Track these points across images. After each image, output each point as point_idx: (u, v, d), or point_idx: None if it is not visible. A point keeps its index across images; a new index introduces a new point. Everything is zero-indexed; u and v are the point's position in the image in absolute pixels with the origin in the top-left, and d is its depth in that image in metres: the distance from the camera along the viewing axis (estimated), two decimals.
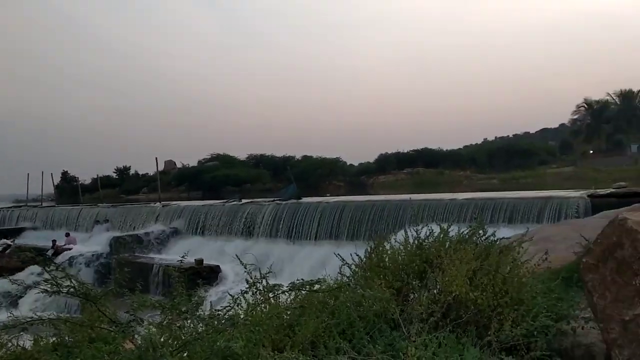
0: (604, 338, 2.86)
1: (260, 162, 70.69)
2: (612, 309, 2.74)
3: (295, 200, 19.83)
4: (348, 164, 70.21)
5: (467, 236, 4.19)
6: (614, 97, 64.68)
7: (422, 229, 4.35)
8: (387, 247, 4.34)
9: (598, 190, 13.95)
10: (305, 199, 20.20)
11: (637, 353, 2.60)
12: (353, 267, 4.38)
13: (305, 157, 68.70)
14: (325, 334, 3.30)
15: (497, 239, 4.18)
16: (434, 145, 68.23)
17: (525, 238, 4.19)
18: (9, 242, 24.35)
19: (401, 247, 4.27)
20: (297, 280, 3.71)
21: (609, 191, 13.25)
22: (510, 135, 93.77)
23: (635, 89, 63.42)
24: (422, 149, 66.76)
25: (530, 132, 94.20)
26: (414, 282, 3.81)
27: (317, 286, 3.60)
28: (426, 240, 4.25)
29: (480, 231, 4.20)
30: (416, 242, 4.26)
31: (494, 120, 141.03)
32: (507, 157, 61.00)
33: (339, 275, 4.26)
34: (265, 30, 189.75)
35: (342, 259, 4.40)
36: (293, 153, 72.09)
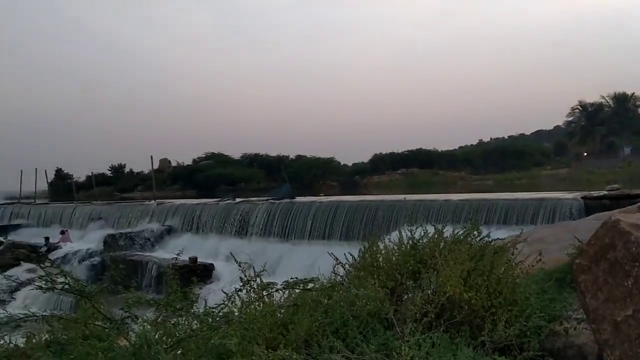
0: (596, 338, 2.88)
1: (254, 162, 70.74)
2: (604, 309, 2.76)
3: (288, 200, 19.84)
4: (342, 163, 70.45)
5: (461, 237, 4.21)
6: (608, 100, 65.02)
7: (416, 229, 4.37)
8: (381, 247, 4.35)
9: (591, 192, 14.03)
10: (298, 199, 20.21)
11: (628, 353, 2.62)
12: (347, 266, 4.40)
13: (299, 157, 68.83)
14: (318, 333, 3.31)
15: (492, 240, 4.20)
16: (428, 146, 68.41)
17: (519, 239, 4.21)
18: (1, 239, 24.22)
19: (395, 247, 4.28)
20: (291, 279, 3.73)
21: (602, 193, 13.31)
22: (506, 137, 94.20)
23: (629, 92, 63.82)
24: (416, 149, 66.88)
25: (525, 133, 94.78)
26: (408, 282, 3.82)
27: (310, 285, 3.61)
28: (420, 241, 4.27)
29: (475, 232, 4.21)
30: (410, 242, 4.28)
31: (489, 121, 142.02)
32: (502, 159, 61.23)
33: (333, 274, 4.28)
34: (260, 30, 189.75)
35: (336, 258, 4.41)
36: (287, 153, 72.34)
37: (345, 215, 16.76)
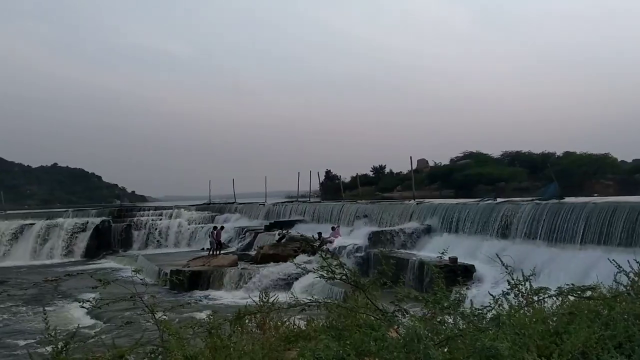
0: None
1: (515, 160, 67.34)
2: None
3: (556, 201, 18.43)
4: (619, 160, 62.52)
5: None
6: None
7: None
8: None
9: None
10: (567, 199, 18.64)
11: None
12: (631, 275, 3.91)
13: (567, 154, 63.32)
14: (598, 346, 3.02)
15: None
16: None
17: None
18: (283, 232, 27.58)
19: None
20: (566, 285, 3.47)
21: None
22: None
23: None
24: None
25: None
26: None
27: (588, 293, 3.31)
28: None
29: None
30: None
31: None
32: None
33: (614, 283, 3.85)
34: (524, 21, 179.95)
35: (618, 265, 3.96)
36: (553, 149, 67.17)
37: (627, 219, 14.81)
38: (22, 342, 14.46)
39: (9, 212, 43.84)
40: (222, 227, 29.29)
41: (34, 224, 37.16)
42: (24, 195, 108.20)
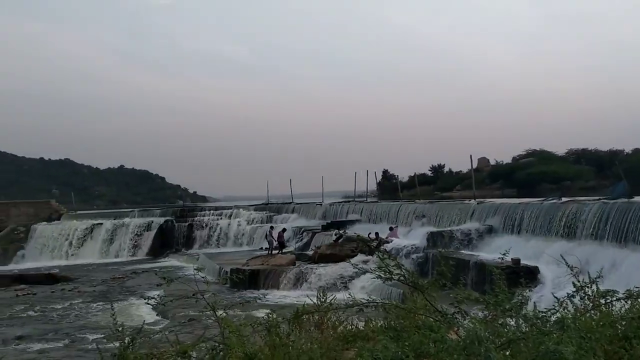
0: None
1: (581, 158, 64.80)
2: None
3: (625, 200, 17.60)
4: None
5: None
6: None
7: None
8: None
9: None
10: (637, 198, 17.76)
11: None
12: None
13: (636, 151, 60.44)
14: None
15: None
16: None
17: None
18: (340, 232, 27.58)
19: None
20: (635, 288, 3.32)
21: None
22: None
23: None
24: None
25: None
26: None
27: None
28: None
29: None
30: None
31: None
32: None
33: None
34: (591, 17, 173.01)
35: None
36: (621, 146, 64.29)
37: None
38: (91, 337, 15.11)
39: (79, 212, 45.96)
40: (284, 230, 29.45)
41: (102, 223, 38.81)
42: (93, 196, 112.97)
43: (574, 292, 3.42)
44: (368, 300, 3.72)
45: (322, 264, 22.68)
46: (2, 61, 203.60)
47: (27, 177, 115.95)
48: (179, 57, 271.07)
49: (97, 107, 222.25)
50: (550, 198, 22.00)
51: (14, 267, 33.42)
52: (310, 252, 26.59)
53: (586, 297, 3.41)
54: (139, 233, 38.02)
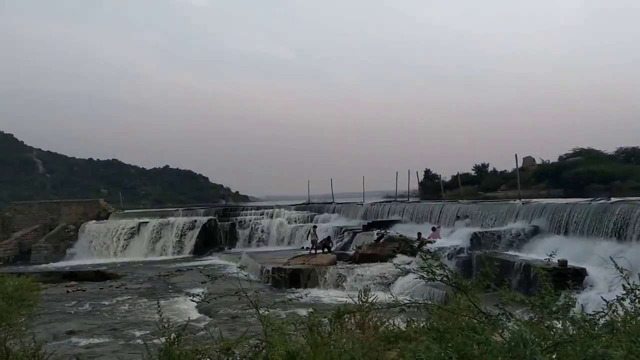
0: None
1: (632, 157, 62.52)
2: None
3: None
4: None
5: None
6: None
7: None
8: None
9: None
10: None
11: None
12: None
13: None
14: None
15: None
16: None
17: None
18: (381, 232, 27.42)
19: None
20: None
21: None
22: None
23: None
24: None
25: None
26: None
27: None
28: None
29: None
30: None
31: None
32: None
33: None
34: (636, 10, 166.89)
35: None
36: None
37: None
38: (138, 333, 15.49)
39: (126, 211, 47.21)
40: (329, 238, 28.68)
41: (148, 222, 39.74)
42: (139, 195, 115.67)
43: (624, 294, 3.31)
44: (410, 300, 3.70)
45: (363, 264, 22.61)
46: (56, 65, 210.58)
47: (77, 177, 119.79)
48: (218, 58, 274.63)
49: (143, 109, 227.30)
50: (599, 198, 21.34)
51: (64, 264, 34.62)
52: (351, 252, 26.54)
53: (637, 300, 3.30)
54: (183, 232, 38.77)
